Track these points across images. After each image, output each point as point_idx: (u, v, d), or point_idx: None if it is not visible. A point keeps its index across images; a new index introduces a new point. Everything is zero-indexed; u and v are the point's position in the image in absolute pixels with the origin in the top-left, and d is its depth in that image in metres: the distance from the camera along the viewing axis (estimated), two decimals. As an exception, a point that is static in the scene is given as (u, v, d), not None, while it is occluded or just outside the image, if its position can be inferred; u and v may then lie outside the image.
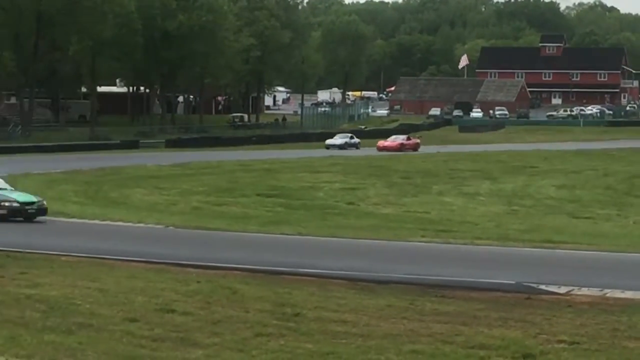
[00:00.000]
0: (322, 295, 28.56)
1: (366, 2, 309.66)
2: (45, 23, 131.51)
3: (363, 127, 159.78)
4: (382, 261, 36.08)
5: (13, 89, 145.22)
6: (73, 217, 50.65)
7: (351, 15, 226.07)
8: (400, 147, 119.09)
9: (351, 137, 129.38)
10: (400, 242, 43.16)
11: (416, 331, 23.64)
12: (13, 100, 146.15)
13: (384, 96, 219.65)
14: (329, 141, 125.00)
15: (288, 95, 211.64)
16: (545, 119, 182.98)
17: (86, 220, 49.68)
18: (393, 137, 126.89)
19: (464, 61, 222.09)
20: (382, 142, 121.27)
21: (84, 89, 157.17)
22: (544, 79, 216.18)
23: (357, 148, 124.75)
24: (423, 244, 43.44)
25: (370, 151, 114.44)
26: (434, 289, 29.53)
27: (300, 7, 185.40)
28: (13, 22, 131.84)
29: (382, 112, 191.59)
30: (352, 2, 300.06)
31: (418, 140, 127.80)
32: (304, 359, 20.71)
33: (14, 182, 67.47)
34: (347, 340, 22.43)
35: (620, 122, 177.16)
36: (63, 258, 35.06)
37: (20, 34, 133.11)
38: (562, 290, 29.49)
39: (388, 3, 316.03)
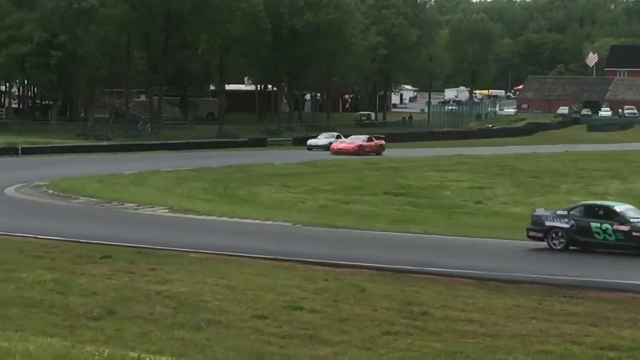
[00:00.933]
0: (449, 294, 28.51)
1: (494, 0, 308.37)
2: (174, 22, 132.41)
3: (490, 125, 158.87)
4: (510, 260, 35.93)
5: (143, 87, 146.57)
6: (202, 214, 50.89)
7: (479, 14, 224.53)
8: (359, 150, 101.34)
9: (337, 137, 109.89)
10: (528, 241, 42.86)
11: (545, 331, 23.54)
12: (143, 98, 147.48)
13: (511, 95, 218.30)
14: (311, 141, 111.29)
15: (415, 93, 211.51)
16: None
17: (215, 218, 49.96)
18: (352, 137, 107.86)
19: (592, 59, 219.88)
20: (337, 144, 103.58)
21: (212, 87, 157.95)
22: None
23: None
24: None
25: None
26: (563, 289, 29.35)
27: (427, 5, 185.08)
28: (143, 22, 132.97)
29: (510, 110, 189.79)
30: (480, 1, 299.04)
31: (382, 142, 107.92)
32: (432, 358, 20.73)
33: (143, 179, 68.35)
34: (475, 340, 22.39)
35: None
36: (192, 255, 35.33)
37: (150, 33, 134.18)
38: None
39: (516, 1, 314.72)
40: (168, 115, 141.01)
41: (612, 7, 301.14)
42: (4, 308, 24.52)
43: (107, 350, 16.12)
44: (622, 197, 68.91)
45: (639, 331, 23.57)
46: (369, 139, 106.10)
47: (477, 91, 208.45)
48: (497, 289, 29.58)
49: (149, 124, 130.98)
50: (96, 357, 15.09)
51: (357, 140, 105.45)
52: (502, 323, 24.47)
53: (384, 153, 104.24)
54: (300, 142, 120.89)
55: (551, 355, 20.98)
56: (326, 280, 30.09)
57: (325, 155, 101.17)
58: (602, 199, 67.56)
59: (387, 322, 24.17)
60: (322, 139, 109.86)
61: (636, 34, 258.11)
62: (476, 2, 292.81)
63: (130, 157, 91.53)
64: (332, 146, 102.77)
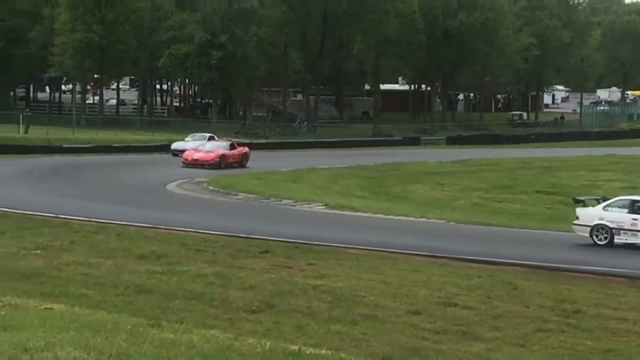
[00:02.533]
0: (603, 292, 28.27)
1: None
2: (330, 22, 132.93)
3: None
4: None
5: (299, 87, 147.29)
6: (358, 210, 50.97)
7: (631, 15, 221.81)
8: (220, 161, 75.44)
9: (210, 139, 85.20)
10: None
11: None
12: (299, 97, 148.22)
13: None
14: (176, 145, 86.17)
15: (567, 94, 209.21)
16: None
17: (370, 214, 50.03)
18: (210, 144, 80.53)
19: None
20: (191, 153, 75.65)
21: (367, 87, 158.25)
22: None
23: None
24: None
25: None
26: None
27: (580, 6, 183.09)
28: (300, 22, 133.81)
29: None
30: (633, 2, 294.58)
31: (246, 150, 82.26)
32: (584, 355, 20.59)
33: (300, 176, 68.68)
34: (628, 338, 22.20)
35: None
36: (349, 250, 35.41)
37: (307, 34, 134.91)
38: None
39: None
40: (324, 114, 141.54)
41: None
42: (167, 300, 24.83)
43: (268, 343, 16.24)
44: None
45: None
46: (232, 146, 79.92)
47: (629, 92, 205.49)
48: (649, 286, 29.29)
49: (305, 122, 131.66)
50: (258, 349, 15.21)
51: (219, 149, 78.15)
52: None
53: (248, 164, 79.31)
54: (454, 141, 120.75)
55: None
56: (479, 277, 30.03)
57: (477, 153, 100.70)
58: None
59: (539, 319, 24.06)
60: (190, 142, 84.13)
61: None
62: (629, 3, 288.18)
63: (286, 155, 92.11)
64: (184, 155, 75.25)
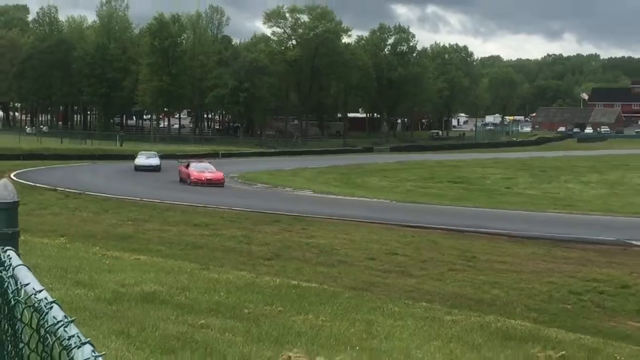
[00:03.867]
0: (491, 245, 28.37)
1: (517, 59, 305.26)
2: (316, 74, 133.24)
3: (514, 138, 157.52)
4: (529, 224, 35.60)
5: (296, 115, 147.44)
6: (334, 194, 51.16)
7: (507, 68, 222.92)
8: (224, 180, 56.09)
9: (158, 157, 69.82)
10: (540, 212, 42.42)
11: (551, 269, 23.34)
12: (296, 121, 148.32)
13: (528, 119, 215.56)
14: (139, 162, 67.56)
15: (467, 118, 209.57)
16: (634, 134, 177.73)
17: (342, 197, 50.14)
18: (203, 166, 57.93)
19: (585, 95, 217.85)
20: (201, 175, 55.27)
21: (339, 115, 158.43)
22: (633, 108, 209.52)
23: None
24: (555, 213, 42.67)
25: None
26: (563, 243, 29.07)
27: (475, 62, 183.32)
28: (296, 74, 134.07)
29: (527, 129, 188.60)
30: (508, 59, 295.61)
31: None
32: (480, 284, 20.64)
33: (296, 173, 68.63)
34: (507, 275, 22.26)
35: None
36: (328, 220, 35.52)
37: (300, 81, 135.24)
38: (648, 244, 28.79)
39: (531, 60, 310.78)
40: (311, 133, 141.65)
41: (593, 63, 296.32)
42: (212, 252, 24.80)
43: (277, 280, 16.27)
44: (600, 184, 67.97)
45: (612, 269, 23.26)
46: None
47: (506, 117, 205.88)
48: (521, 242, 29.37)
49: (300, 138, 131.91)
50: (271, 283, 15.23)
51: (217, 171, 57.12)
52: (524, 264, 24.28)
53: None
54: (395, 150, 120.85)
55: (555, 284, 20.77)
56: (412, 236, 30.10)
57: (409, 157, 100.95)
58: (586, 185, 66.80)
59: (451, 262, 24.10)
60: (152, 159, 68.19)
61: (609, 80, 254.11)
62: (505, 60, 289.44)
63: (288, 159, 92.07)
64: (196, 176, 55.18)
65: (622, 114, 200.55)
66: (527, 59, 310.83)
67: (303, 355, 8.59)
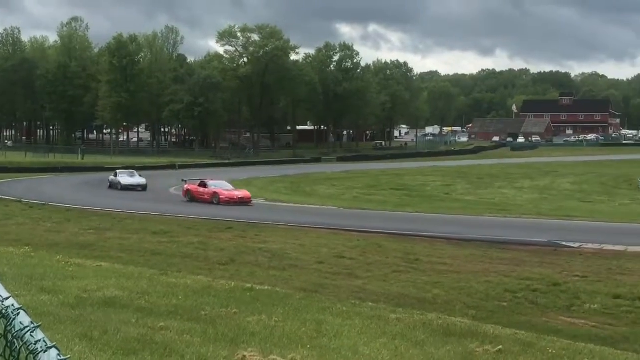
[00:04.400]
0: (432, 248, 28.48)
1: (454, 73, 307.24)
2: (266, 89, 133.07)
3: (452, 148, 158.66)
4: (467, 228, 35.81)
5: (248, 128, 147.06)
6: (285, 202, 51.07)
7: (445, 82, 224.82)
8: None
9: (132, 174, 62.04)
10: (477, 216, 42.74)
11: (488, 269, 23.49)
12: (248, 134, 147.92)
13: (465, 130, 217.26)
14: (125, 182, 59.16)
15: (408, 130, 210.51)
16: (563, 142, 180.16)
17: (292, 204, 50.06)
18: (227, 185, 51.30)
19: (515, 108, 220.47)
20: (231, 194, 48.59)
21: (289, 127, 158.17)
22: (561, 119, 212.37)
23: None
24: (490, 217, 43.00)
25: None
26: (499, 244, 29.28)
27: (415, 78, 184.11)
28: (248, 89, 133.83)
29: (464, 139, 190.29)
30: (446, 74, 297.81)
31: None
32: (422, 285, 20.71)
33: (250, 182, 68.43)
34: (447, 275, 22.37)
35: (609, 144, 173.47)
36: (280, 226, 35.47)
37: (252, 96, 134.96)
38: (576, 245, 29.06)
39: (467, 74, 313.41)
40: (263, 144, 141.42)
41: (524, 77, 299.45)
42: (171, 258, 24.68)
43: (232, 283, 16.23)
44: (532, 190, 68.68)
45: (544, 269, 23.48)
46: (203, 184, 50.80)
47: (444, 128, 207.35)
48: (460, 244, 29.52)
49: (252, 150, 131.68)
50: (227, 287, 15.20)
51: (242, 189, 52.29)
52: (463, 265, 24.41)
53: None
54: (342, 159, 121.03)
55: (492, 283, 20.91)
56: (358, 240, 30.12)
57: (355, 166, 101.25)
58: (519, 191, 67.45)
59: (395, 264, 24.16)
60: (138, 178, 60.57)
61: (539, 93, 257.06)
62: (443, 75, 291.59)
63: (241, 169, 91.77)
64: (226, 196, 48.06)
65: (552, 124, 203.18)
66: (463, 74, 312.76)
67: (257, 354, 8.58)
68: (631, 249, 27.92)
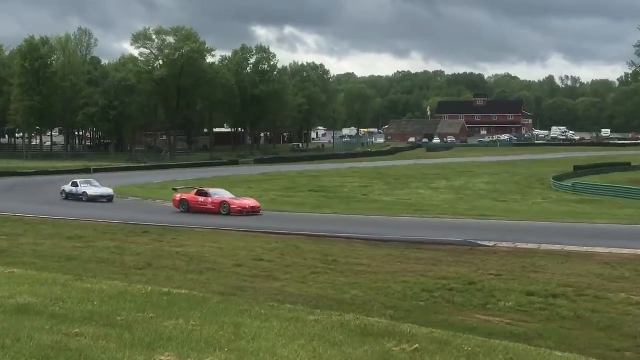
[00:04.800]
0: (350, 249, 28.60)
1: (370, 75, 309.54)
2: (182, 92, 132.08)
3: (369, 149, 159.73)
4: (385, 228, 36.08)
5: (164, 131, 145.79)
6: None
7: (361, 84, 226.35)
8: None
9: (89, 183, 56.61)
10: (394, 217, 43.11)
11: (405, 269, 23.67)
12: (164, 137, 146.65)
13: (381, 131, 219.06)
14: (91, 192, 54.20)
15: (325, 131, 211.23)
16: (477, 143, 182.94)
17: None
18: (222, 191, 47.64)
19: (429, 110, 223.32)
20: (242, 204, 44.84)
21: (205, 130, 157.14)
22: (475, 119, 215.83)
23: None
24: (407, 218, 43.41)
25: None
26: (416, 245, 29.54)
27: (331, 80, 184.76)
28: (164, 92, 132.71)
29: (380, 140, 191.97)
30: (362, 76, 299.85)
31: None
32: (340, 286, 20.77)
33: (166, 186, 67.80)
34: (365, 276, 22.48)
35: (521, 144, 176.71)
36: (196, 229, 35.29)
37: (168, 99, 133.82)
38: (491, 244, 29.49)
39: (383, 76, 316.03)
40: (179, 147, 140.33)
41: (439, 79, 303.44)
42: (86, 263, 24.33)
43: (149, 288, 16.05)
44: (448, 190, 69.57)
45: (460, 268, 23.76)
46: (203, 193, 46.37)
47: (361, 129, 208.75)
48: (377, 245, 29.69)
49: (169, 153, 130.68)
50: (143, 291, 15.03)
51: (250, 198, 48.17)
52: (380, 265, 24.56)
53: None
54: (259, 162, 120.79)
55: (409, 283, 21.07)
56: (277, 242, 30.08)
57: (272, 168, 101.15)
58: (435, 192, 68.25)
59: (313, 266, 24.18)
60: (105, 189, 55.62)
61: (453, 94, 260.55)
62: (360, 77, 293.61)
63: (157, 173, 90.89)
64: (238, 205, 44.26)
65: (466, 125, 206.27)
66: (379, 76, 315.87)
67: (174, 358, 8.51)
68: (544, 246, 28.47)
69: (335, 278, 22.05)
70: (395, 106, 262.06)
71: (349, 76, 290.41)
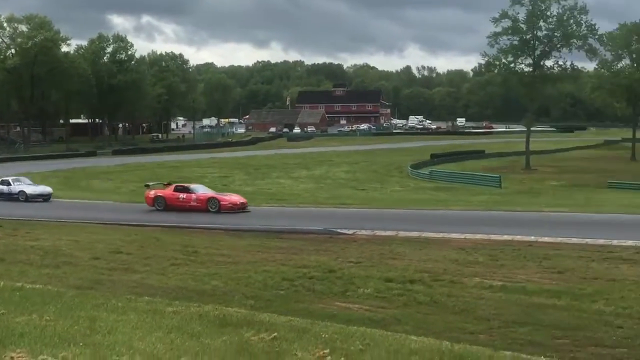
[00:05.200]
0: (210, 240, 28.55)
1: (230, 65, 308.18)
2: (36, 82, 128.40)
3: (230, 139, 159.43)
4: (245, 218, 36.11)
5: (17, 122, 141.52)
6: (59, 198, 49.52)
7: (221, 74, 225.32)
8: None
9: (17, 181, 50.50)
10: (256, 207, 43.13)
11: (266, 259, 23.74)
12: (18, 129, 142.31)
13: (242, 121, 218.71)
14: (30, 191, 48.75)
15: (185, 122, 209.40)
16: (337, 132, 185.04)
17: (67, 200, 48.76)
18: (202, 187, 43.68)
19: (288, 100, 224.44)
20: (231, 199, 40.61)
21: (61, 121, 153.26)
22: (335, 109, 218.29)
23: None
24: (269, 207, 43.55)
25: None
26: (276, 234, 29.69)
27: (190, 69, 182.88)
28: (16, 81, 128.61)
29: (241, 130, 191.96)
30: (222, 66, 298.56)
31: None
32: (201, 277, 20.67)
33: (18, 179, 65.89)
34: (226, 266, 22.44)
35: (380, 133, 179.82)
36: (53, 223, 34.51)
37: (21, 88, 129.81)
38: (350, 232, 29.91)
39: (243, 66, 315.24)
40: (34, 139, 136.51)
41: (299, 69, 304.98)
42: None
43: (1, 283, 15.61)
44: (308, 179, 70.18)
45: (320, 256, 23.98)
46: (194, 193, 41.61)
47: (222, 119, 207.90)
48: (238, 235, 29.72)
49: (22, 144, 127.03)
50: (-6, 287, 14.62)
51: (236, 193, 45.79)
52: (241, 255, 24.56)
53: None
54: (117, 153, 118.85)
55: (270, 272, 21.12)
56: (136, 235, 29.74)
57: (131, 159, 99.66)
58: (296, 181, 68.73)
59: (173, 257, 23.97)
60: (42, 187, 50.92)
61: (313, 84, 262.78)
62: (219, 67, 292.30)
63: (11, 165, 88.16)
64: (229, 201, 40.17)
65: (326, 115, 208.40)
66: (239, 66, 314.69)
67: (26, 354, 8.29)
68: (402, 233, 29.06)
69: (195, 269, 21.93)
70: (256, 96, 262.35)
71: (209, 66, 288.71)
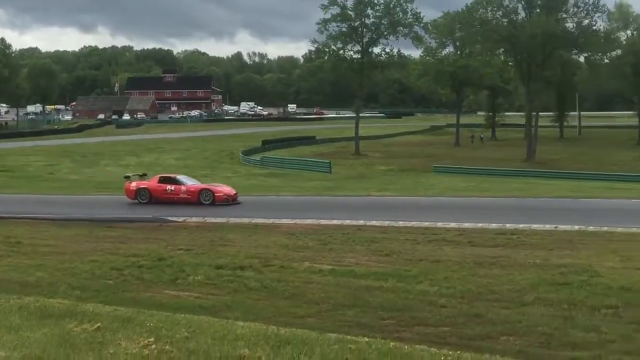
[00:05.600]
0: (35, 230, 27.77)
1: (55, 50, 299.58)
2: None
3: (56, 126, 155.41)
4: (72, 207, 35.26)
5: None
6: None
7: (46, 59, 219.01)
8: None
9: None
10: (82, 195, 42.24)
11: (94, 248, 23.31)
12: None
13: (69, 108, 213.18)
14: None
15: (8, 108, 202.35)
16: (168, 119, 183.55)
17: None
18: (191, 179, 39.86)
19: (117, 86, 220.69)
20: (223, 190, 37.04)
21: None
22: (166, 95, 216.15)
23: None
24: (96, 196, 42.74)
25: None
26: (105, 223, 29.18)
27: (13, 54, 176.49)
28: None
29: (68, 117, 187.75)
30: (47, 51, 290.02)
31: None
32: (25, 268, 20.10)
33: None
34: (51, 257, 21.90)
35: (211, 120, 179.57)
36: None
37: None
38: (180, 219, 29.77)
39: (69, 51, 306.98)
40: None
41: (127, 54, 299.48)
42: None
43: None
44: (138, 166, 69.19)
45: (150, 244, 23.73)
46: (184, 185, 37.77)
47: (47, 106, 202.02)
48: (64, 225, 28.99)
49: None
50: None
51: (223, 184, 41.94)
52: (68, 245, 24.01)
53: None
54: None
55: (97, 262, 20.71)
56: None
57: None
58: (125, 169, 67.66)
59: None
60: None
61: (142, 70, 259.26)
62: (44, 52, 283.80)
63: None
64: (223, 193, 36.75)
65: (156, 101, 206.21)
66: (65, 51, 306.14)
67: None
68: (232, 220, 29.15)
69: (19, 261, 21.27)
70: (83, 82, 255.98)
71: (33, 51, 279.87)
